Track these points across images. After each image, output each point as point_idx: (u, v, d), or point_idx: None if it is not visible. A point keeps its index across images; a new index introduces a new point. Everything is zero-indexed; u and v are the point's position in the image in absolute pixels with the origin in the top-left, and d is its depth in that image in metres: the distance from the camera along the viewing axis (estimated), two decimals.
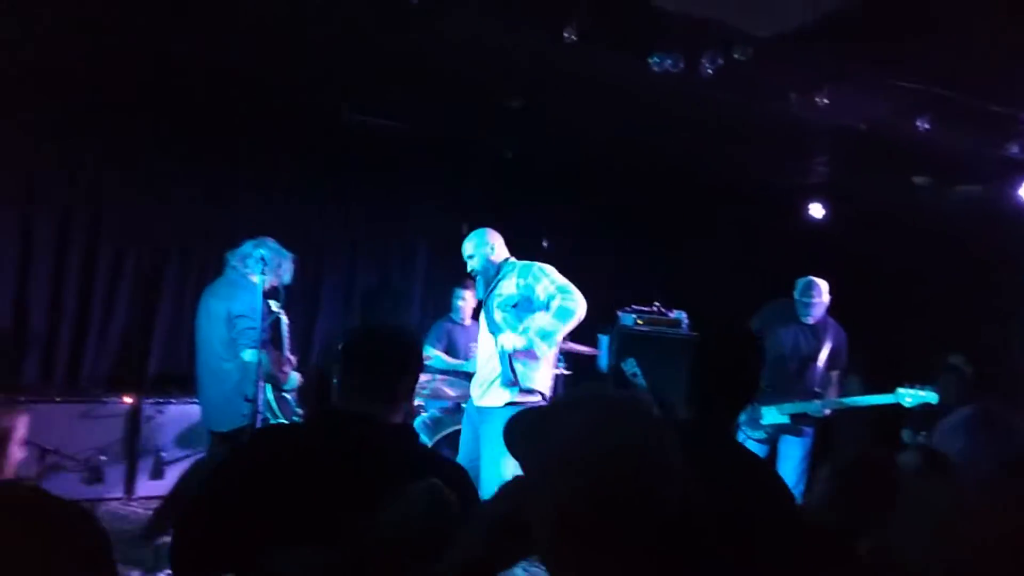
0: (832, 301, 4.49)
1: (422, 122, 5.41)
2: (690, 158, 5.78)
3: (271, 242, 3.97)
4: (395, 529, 1.26)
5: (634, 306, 5.62)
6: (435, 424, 4.57)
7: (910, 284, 5.92)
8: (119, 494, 4.43)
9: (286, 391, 3.96)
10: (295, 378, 4.01)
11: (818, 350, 4.43)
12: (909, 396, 4.03)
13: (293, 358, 4.06)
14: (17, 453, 2.03)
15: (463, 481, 1.67)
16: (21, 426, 2.05)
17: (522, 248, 5.99)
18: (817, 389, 4.38)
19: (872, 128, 4.17)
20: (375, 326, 2.25)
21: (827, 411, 4.28)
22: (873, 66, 3.41)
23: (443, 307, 5.82)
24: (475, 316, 5.41)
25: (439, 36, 3.48)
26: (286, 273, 4.00)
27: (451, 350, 5.31)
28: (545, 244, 5.61)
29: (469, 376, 5.07)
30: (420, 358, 1.82)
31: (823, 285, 4.45)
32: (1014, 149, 4.06)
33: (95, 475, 4.32)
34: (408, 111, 5.20)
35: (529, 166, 5.96)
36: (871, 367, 5.20)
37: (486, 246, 3.77)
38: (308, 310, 5.59)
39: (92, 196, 4.93)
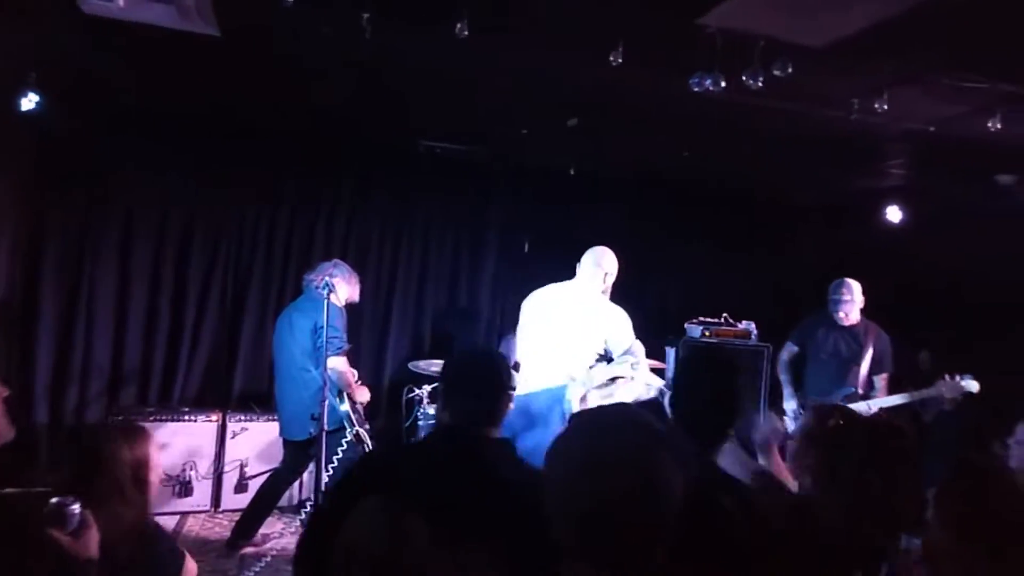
0: (908, 304, 4.37)
1: (488, 145, 5.55)
2: (754, 169, 5.70)
3: (343, 264, 4.26)
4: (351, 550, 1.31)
5: (702, 318, 5.57)
6: None
7: (992, 286, 5.60)
8: (207, 507, 4.71)
9: (358, 404, 4.16)
10: (366, 392, 4.21)
11: (860, 353, 4.47)
12: (948, 387, 4.05)
13: (356, 373, 4.28)
14: (156, 481, 2.04)
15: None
16: (155, 452, 2.04)
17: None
18: (860, 391, 4.37)
19: (941, 129, 4.02)
20: (475, 352, 2.45)
21: (872, 407, 4.22)
22: (933, 68, 3.29)
23: (508, 324, 5.93)
24: None
25: (496, 66, 3.60)
26: (355, 293, 4.29)
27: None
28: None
29: None
30: (512, 378, 1.97)
31: (854, 285, 4.53)
32: None
33: (185, 489, 4.61)
34: (474, 136, 5.35)
35: (593, 182, 6.00)
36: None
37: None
38: (380, 329, 5.80)
39: (182, 223, 5.30)
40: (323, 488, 3.61)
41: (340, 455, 3.85)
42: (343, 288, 4.17)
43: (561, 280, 3.85)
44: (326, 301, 3.80)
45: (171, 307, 5.28)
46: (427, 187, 5.88)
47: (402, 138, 5.48)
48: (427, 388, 4.83)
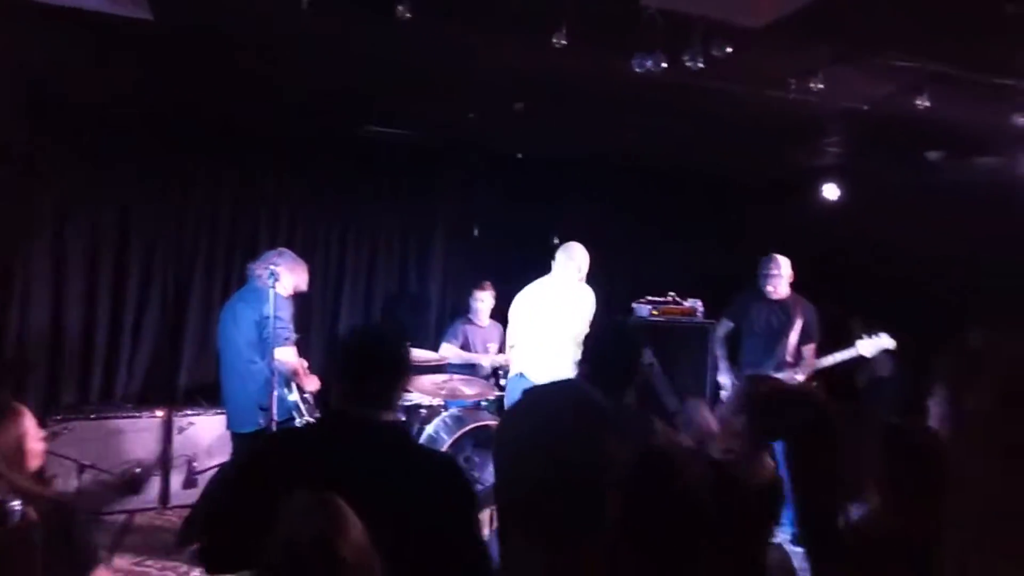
0: (850, 277, 4.59)
1: (433, 130, 5.51)
2: (698, 149, 5.79)
3: (288, 253, 4.18)
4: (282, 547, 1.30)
5: (649, 297, 5.66)
6: (455, 422, 4.66)
7: (924, 259, 5.85)
8: (154, 504, 4.61)
9: (307, 393, 4.12)
10: (315, 381, 4.17)
11: (788, 325, 4.72)
12: (866, 345, 4.46)
13: (305, 362, 4.23)
14: (36, 446, 2.06)
15: (451, 471, 1.75)
16: (29, 423, 2.06)
17: (534, 246, 6.10)
18: (790, 359, 4.66)
19: (875, 108, 4.16)
20: (366, 330, 2.34)
21: (800, 376, 4.56)
22: (866, 48, 3.39)
23: (460, 308, 5.93)
24: (492, 316, 5.50)
25: (440, 49, 3.57)
26: (303, 282, 4.21)
27: (466, 349, 5.41)
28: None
29: (485, 375, 5.18)
30: (409, 358, 1.88)
31: (783, 260, 4.81)
32: (1021, 120, 4.01)
33: (131, 487, 4.50)
34: (419, 120, 5.30)
35: (541, 166, 6.02)
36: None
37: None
38: (329, 318, 5.73)
39: (120, 215, 5.12)
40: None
41: None
42: (288, 277, 4.09)
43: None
44: (272, 291, 3.73)
45: (111, 302, 5.11)
46: (373, 173, 5.81)
47: (346, 124, 5.39)
48: None
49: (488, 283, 5.46)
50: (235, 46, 3.73)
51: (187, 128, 5.19)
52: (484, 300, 5.40)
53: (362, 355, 1.80)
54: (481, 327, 5.45)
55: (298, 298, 4.29)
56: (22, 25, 3.34)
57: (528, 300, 4.44)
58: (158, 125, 5.09)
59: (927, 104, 3.69)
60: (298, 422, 3.91)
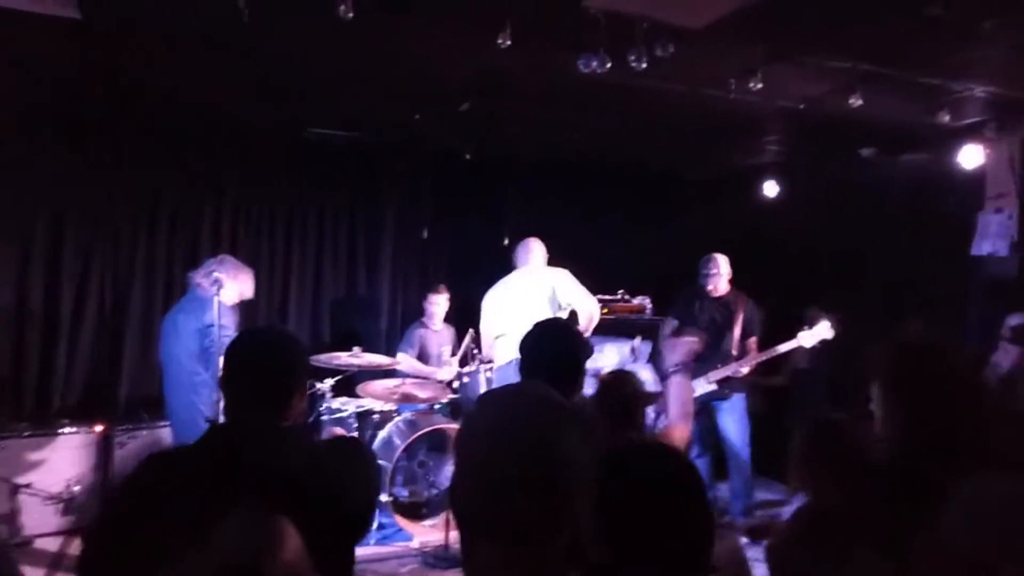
0: (784, 273, 4.68)
1: (378, 131, 5.45)
2: (647, 148, 5.88)
3: (230, 259, 4.07)
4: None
5: (599, 296, 5.71)
6: (408, 426, 4.62)
7: (862, 254, 6.07)
8: None
9: None
10: None
11: (731, 320, 4.89)
12: (806, 336, 4.64)
13: None
14: None
15: (356, 453, 1.70)
16: None
17: (485, 246, 6.10)
18: (734, 353, 4.83)
19: (811, 107, 4.29)
20: (255, 332, 2.16)
21: (744, 369, 4.74)
22: (802, 48, 3.50)
23: (411, 312, 5.88)
24: (445, 319, 5.47)
25: (381, 47, 3.53)
26: (248, 289, 4.11)
27: (423, 355, 5.37)
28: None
29: (440, 380, 5.15)
30: (302, 362, 1.78)
31: (722, 258, 4.99)
32: (946, 118, 4.19)
33: (69, 507, 4.31)
34: (364, 121, 5.23)
35: (488, 165, 6.02)
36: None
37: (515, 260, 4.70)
38: (277, 323, 5.61)
39: (53, 224, 4.92)
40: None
41: None
42: (232, 285, 3.98)
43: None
44: (216, 299, 3.64)
45: (43, 314, 4.90)
46: (318, 176, 5.71)
47: (289, 126, 5.29)
48: (329, 382, 4.73)
49: (443, 286, 5.44)
50: (170, 47, 3.61)
51: (124, 132, 5.02)
52: (439, 304, 5.37)
53: (248, 360, 1.71)
54: (436, 331, 5.42)
55: (243, 305, 4.19)
56: None
57: (508, 290, 4.59)
58: (93, 128, 4.90)
59: (859, 103, 3.83)
60: None
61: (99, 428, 4.52)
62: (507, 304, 4.52)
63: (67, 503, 4.33)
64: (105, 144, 5.00)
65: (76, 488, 4.37)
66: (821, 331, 4.64)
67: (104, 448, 4.50)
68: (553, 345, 2.02)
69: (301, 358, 1.78)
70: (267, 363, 1.68)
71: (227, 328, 3.75)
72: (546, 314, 4.19)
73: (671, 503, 1.13)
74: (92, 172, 4.99)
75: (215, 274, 3.80)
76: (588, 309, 4.52)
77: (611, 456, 1.14)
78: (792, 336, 4.72)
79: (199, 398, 3.73)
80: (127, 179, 5.11)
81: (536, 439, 0.97)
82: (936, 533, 1.25)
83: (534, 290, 4.49)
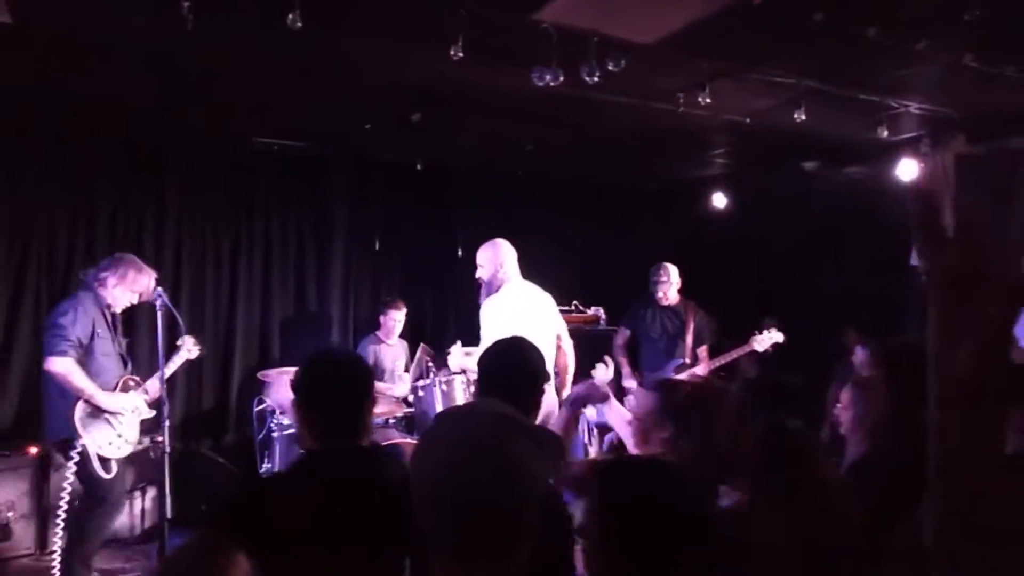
0: (734, 282, 4.76)
1: (328, 141, 5.37)
2: (599, 160, 5.94)
3: (127, 257, 3.87)
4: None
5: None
6: None
7: (809, 263, 6.25)
8: (31, 549, 4.22)
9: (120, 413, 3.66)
10: (118, 399, 3.65)
11: (682, 328, 4.99)
12: (759, 341, 4.75)
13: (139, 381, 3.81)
14: None
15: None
16: None
17: (437, 257, 6.06)
18: (687, 361, 4.92)
19: (757, 121, 4.40)
20: (334, 361, 2.15)
21: (700, 375, 4.80)
22: (749, 65, 3.59)
23: (363, 327, 5.79)
24: (401, 335, 5.40)
25: (331, 57, 3.48)
26: (141, 287, 3.80)
27: (376, 369, 5.28)
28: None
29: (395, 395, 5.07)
30: (373, 381, 1.82)
31: (671, 268, 5.07)
32: (884, 133, 4.34)
33: (3, 533, 4.10)
34: (315, 132, 5.15)
35: (440, 176, 5.99)
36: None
37: (496, 260, 3.84)
38: (224, 339, 5.45)
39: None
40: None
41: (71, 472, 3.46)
42: (114, 283, 3.69)
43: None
44: (79, 297, 3.58)
45: None
46: (265, 188, 5.58)
47: (234, 137, 5.16)
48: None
49: (401, 302, 5.38)
50: (114, 54, 3.50)
51: (63, 140, 4.82)
52: (398, 319, 5.31)
53: (337, 388, 1.70)
54: (390, 345, 5.35)
55: (194, 322, 4.02)
56: None
57: (532, 305, 3.82)
58: (32, 137, 4.70)
59: (803, 118, 3.94)
60: (78, 443, 3.47)
61: (34, 450, 4.31)
62: (533, 322, 3.68)
63: (2, 529, 4.12)
64: (44, 153, 4.79)
65: (9, 513, 4.15)
66: (773, 335, 4.75)
67: (40, 468, 4.30)
68: (513, 363, 2.02)
69: (372, 379, 1.82)
70: (353, 390, 1.70)
71: (59, 327, 3.49)
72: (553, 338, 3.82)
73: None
74: (29, 183, 4.78)
75: (102, 272, 3.68)
76: (571, 347, 3.98)
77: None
78: (745, 341, 4.82)
79: (48, 392, 3.56)
80: (64, 190, 4.91)
81: (500, 456, 0.96)
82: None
83: (550, 311, 3.93)
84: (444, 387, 4.68)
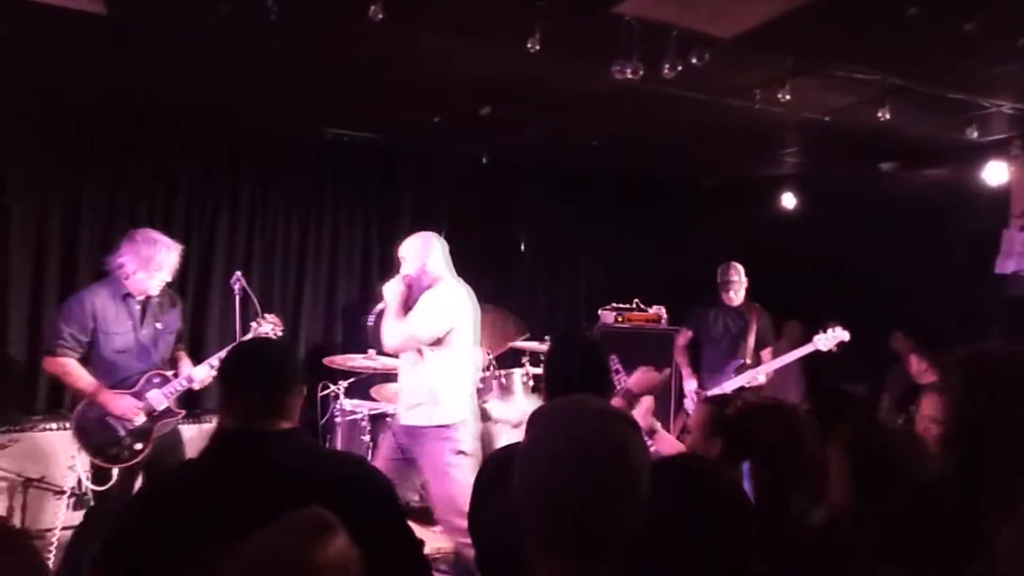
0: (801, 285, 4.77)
1: (399, 133, 5.44)
2: (665, 157, 5.86)
3: (141, 234, 3.51)
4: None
5: (614, 304, 5.69)
6: None
7: (877, 267, 6.02)
8: None
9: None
10: (119, 401, 3.38)
11: (746, 330, 4.91)
12: (822, 340, 4.58)
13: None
14: None
15: (360, 472, 1.77)
16: None
17: (498, 249, 6.08)
18: (747, 361, 4.84)
19: (836, 119, 4.25)
20: (253, 343, 2.28)
21: (761, 378, 4.73)
22: (833, 61, 3.47)
23: None
24: None
25: (409, 50, 3.51)
26: (162, 264, 3.48)
27: None
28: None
29: None
30: (299, 368, 1.86)
31: (739, 268, 4.98)
32: (974, 134, 4.15)
33: (80, 502, 4.28)
34: (385, 124, 5.22)
35: (506, 170, 6.00)
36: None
37: (423, 253, 3.57)
38: (289, 325, 5.56)
39: (68, 220, 4.90)
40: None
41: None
42: (133, 269, 3.36)
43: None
44: (106, 286, 3.40)
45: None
46: (335, 177, 5.69)
47: (307, 126, 5.28)
48: (343, 384, 4.71)
49: None
50: (196, 44, 3.60)
51: (141, 130, 5.01)
52: None
53: (250, 369, 1.77)
54: None
55: (262, 305, 4.06)
56: None
57: (461, 300, 3.56)
58: (104, 128, 4.89)
59: (888, 116, 3.79)
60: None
61: None
62: (475, 323, 3.62)
63: (78, 498, 4.30)
64: (123, 142, 4.98)
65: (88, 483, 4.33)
66: (838, 333, 4.61)
67: None
68: (592, 360, 2.03)
69: (297, 366, 1.87)
70: (269, 368, 1.74)
71: (55, 324, 3.33)
72: None
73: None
74: (109, 170, 4.98)
75: (118, 259, 3.39)
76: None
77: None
78: (808, 340, 4.69)
79: None
80: (142, 178, 5.09)
81: (614, 453, 0.96)
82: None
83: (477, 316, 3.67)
84: (503, 380, 4.71)
